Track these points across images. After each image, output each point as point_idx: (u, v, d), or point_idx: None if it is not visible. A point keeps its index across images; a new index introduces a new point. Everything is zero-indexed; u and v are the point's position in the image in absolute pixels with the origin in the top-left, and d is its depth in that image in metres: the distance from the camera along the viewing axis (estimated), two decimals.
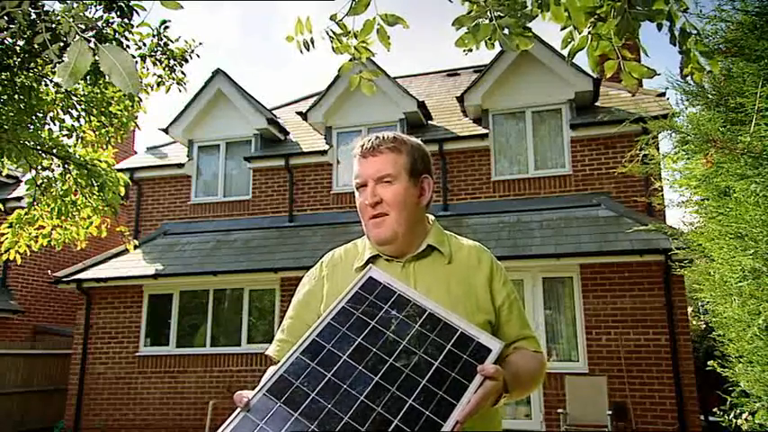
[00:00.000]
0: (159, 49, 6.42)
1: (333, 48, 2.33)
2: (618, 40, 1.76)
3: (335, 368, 1.18)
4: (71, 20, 1.30)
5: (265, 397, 1.14)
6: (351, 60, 2.39)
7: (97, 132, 6.57)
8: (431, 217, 1.59)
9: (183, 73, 6.66)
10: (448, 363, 1.19)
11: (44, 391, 10.88)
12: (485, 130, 9.80)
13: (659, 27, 1.78)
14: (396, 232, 1.45)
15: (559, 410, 7.44)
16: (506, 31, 1.89)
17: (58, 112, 6.33)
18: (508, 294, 1.49)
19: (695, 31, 1.81)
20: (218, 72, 11.29)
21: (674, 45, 1.80)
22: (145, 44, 6.36)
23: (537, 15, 1.91)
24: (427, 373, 1.17)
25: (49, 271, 10.91)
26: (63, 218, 6.29)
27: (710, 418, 8.51)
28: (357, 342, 1.23)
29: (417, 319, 1.27)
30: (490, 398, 1.18)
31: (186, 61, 6.58)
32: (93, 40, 1.23)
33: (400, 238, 1.46)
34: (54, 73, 5.80)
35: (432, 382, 1.16)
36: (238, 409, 1.13)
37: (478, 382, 1.16)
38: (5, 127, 5.53)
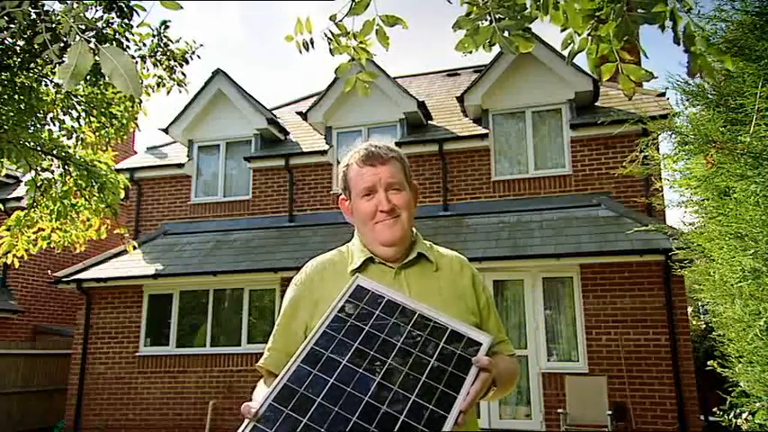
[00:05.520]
0: (159, 49, 6.39)
1: (330, 49, 2.32)
2: (617, 42, 1.76)
3: (337, 373, 1.21)
4: (71, 20, 1.31)
5: (272, 406, 1.16)
6: (350, 61, 2.39)
7: (97, 133, 6.53)
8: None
9: (183, 74, 6.63)
10: (443, 359, 1.25)
11: (44, 391, 10.88)
12: (485, 130, 9.80)
13: (662, 28, 1.77)
14: (405, 234, 1.54)
15: (559, 410, 7.45)
16: (506, 33, 1.89)
17: (57, 113, 6.29)
18: (487, 299, 1.60)
19: (701, 32, 1.79)
20: (218, 72, 11.29)
21: (678, 44, 1.78)
22: (145, 45, 6.33)
23: (537, 18, 1.90)
24: (425, 370, 1.22)
25: (49, 271, 10.91)
26: (62, 220, 6.25)
27: (710, 418, 8.51)
28: (354, 347, 1.26)
29: (408, 321, 1.32)
30: (485, 388, 1.24)
31: (187, 62, 6.54)
32: (93, 40, 1.23)
33: (405, 240, 1.55)
34: (54, 73, 5.79)
35: (431, 378, 1.21)
36: (247, 420, 1.14)
37: (474, 374, 1.22)
38: (5, 127, 5.52)
